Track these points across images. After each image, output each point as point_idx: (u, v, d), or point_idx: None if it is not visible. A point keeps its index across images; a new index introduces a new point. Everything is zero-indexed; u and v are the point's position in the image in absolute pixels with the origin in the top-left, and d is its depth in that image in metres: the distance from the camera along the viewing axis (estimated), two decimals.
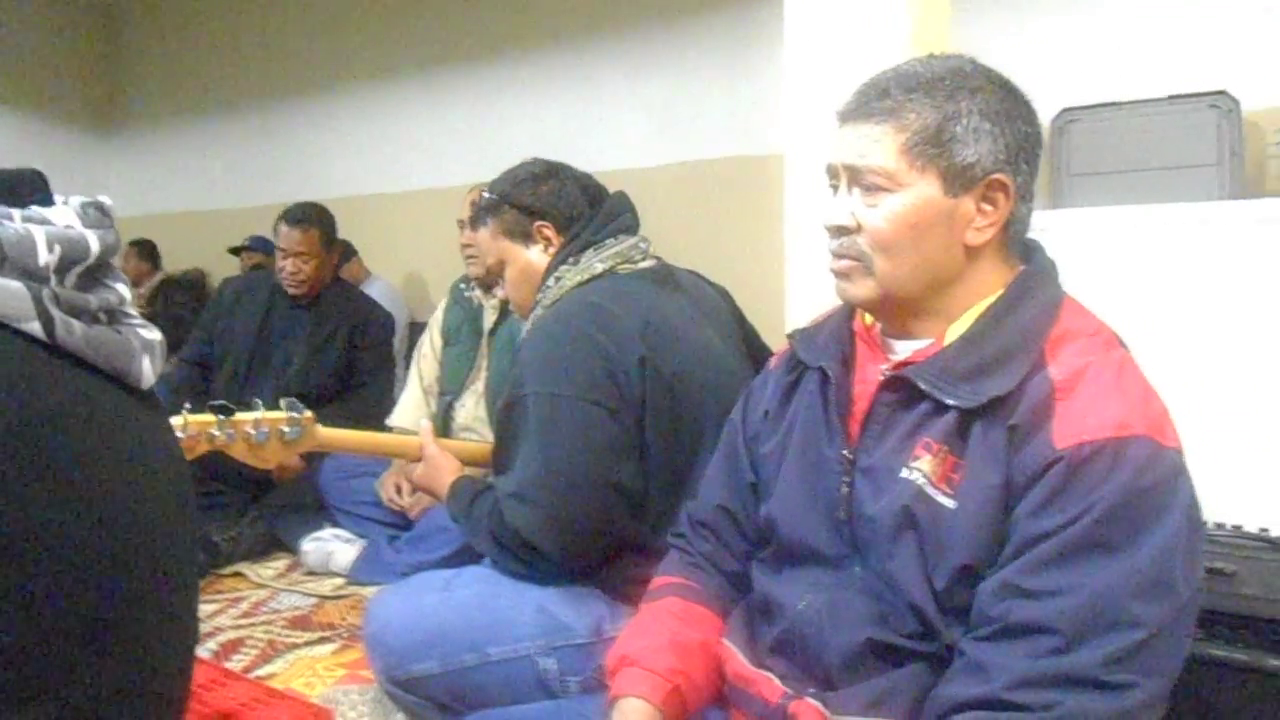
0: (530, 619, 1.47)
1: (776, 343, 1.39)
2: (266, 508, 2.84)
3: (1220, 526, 1.50)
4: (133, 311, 0.80)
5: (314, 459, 2.78)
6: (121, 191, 5.73)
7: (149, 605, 0.74)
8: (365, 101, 4.95)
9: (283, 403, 1.71)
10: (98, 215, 0.77)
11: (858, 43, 1.72)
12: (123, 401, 0.74)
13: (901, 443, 1.02)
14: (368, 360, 3.14)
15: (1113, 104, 2.58)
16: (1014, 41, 3.01)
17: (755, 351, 1.73)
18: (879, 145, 1.00)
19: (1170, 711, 0.90)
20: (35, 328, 0.67)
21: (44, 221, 0.71)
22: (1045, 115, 1.08)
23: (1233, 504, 1.49)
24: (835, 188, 1.07)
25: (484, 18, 4.50)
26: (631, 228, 1.70)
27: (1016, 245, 1.07)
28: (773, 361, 1.29)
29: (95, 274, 0.75)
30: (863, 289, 1.05)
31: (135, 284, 5.16)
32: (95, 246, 0.74)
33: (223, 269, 5.01)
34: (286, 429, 1.68)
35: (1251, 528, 1.48)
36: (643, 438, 1.49)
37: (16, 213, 0.71)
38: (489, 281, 2.46)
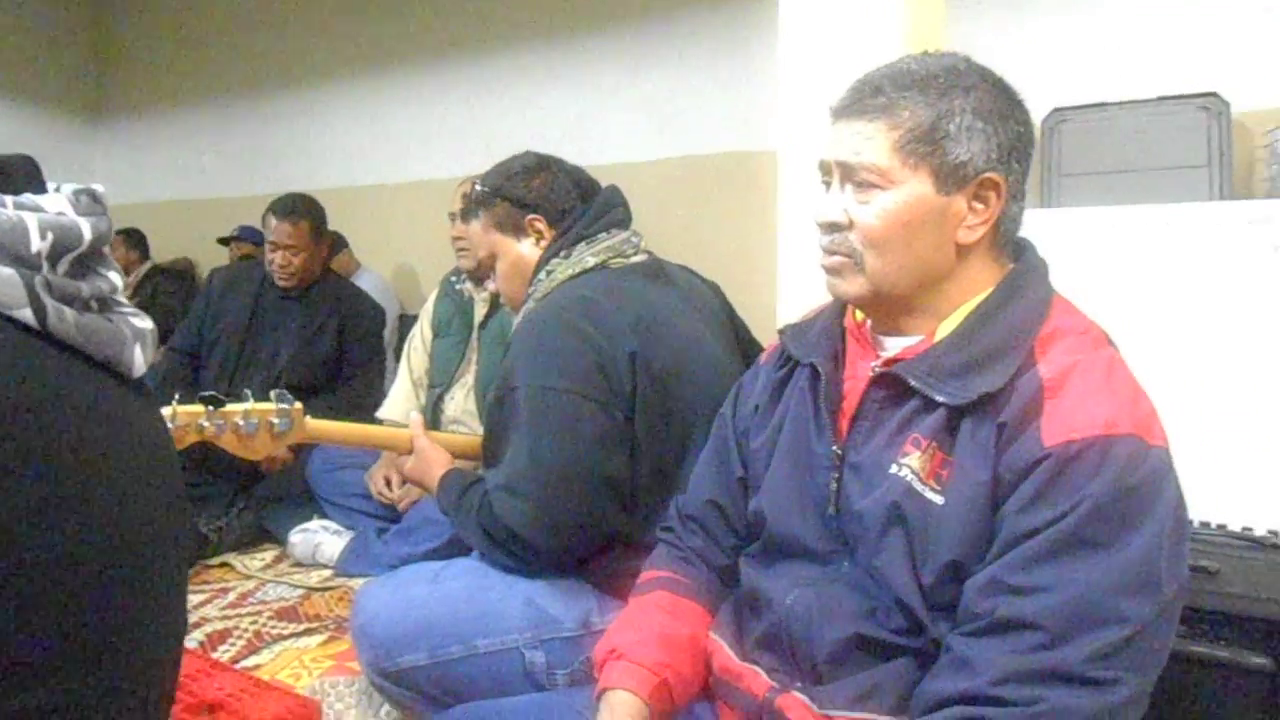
0: (519, 611, 1.47)
1: (767, 338, 1.40)
2: (254, 499, 2.84)
3: (1205, 525, 1.51)
4: (124, 300, 0.80)
5: (302, 450, 2.78)
6: (110, 180, 5.69)
7: (138, 595, 0.74)
8: (357, 92, 4.93)
9: (272, 394, 1.70)
10: (90, 203, 0.76)
11: (852, 39, 1.72)
12: (114, 390, 0.74)
13: (891, 439, 1.02)
14: (357, 352, 3.13)
15: (1103, 104, 2.60)
16: (1006, 41, 3.02)
17: (746, 347, 1.74)
18: (872, 142, 1.01)
19: (1153, 708, 0.91)
20: (27, 315, 0.67)
21: (36, 209, 0.71)
22: (1036, 115, 1.09)
23: (1217, 503, 1.50)
24: (828, 184, 1.08)
25: (477, 10, 4.48)
26: (624, 222, 1.70)
27: (1007, 244, 1.07)
28: (763, 357, 1.30)
29: (87, 262, 0.75)
30: (854, 285, 1.05)
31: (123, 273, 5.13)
32: (88, 234, 0.73)
33: (211, 259, 4.98)
34: (276, 420, 1.68)
35: (1235, 526, 1.50)
36: (633, 431, 1.49)
37: (9, 199, 0.70)
38: (480, 274, 2.46)
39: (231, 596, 2.39)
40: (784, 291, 1.84)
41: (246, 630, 2.16)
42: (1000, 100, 1.02)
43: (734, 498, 1.24)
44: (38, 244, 0.69)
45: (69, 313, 0.69)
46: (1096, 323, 1.03)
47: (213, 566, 2.62)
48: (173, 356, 3.12)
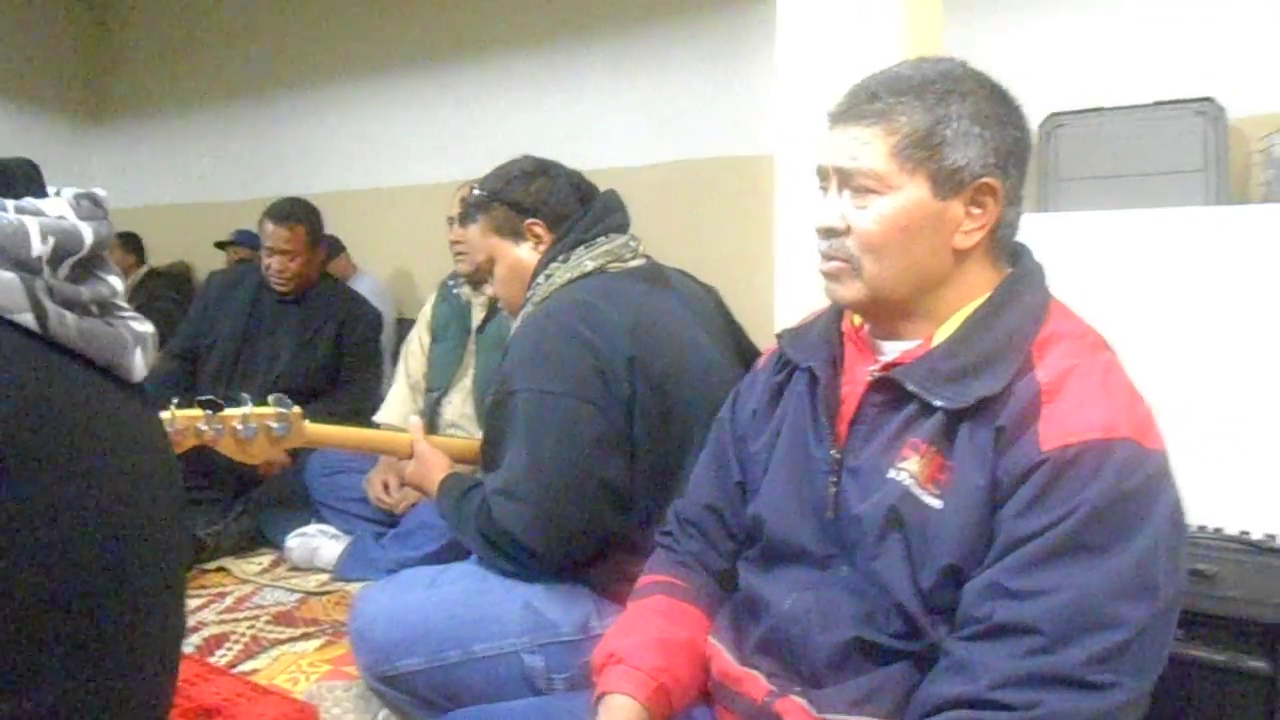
0: (517, 616, 1.47)
1: (765, 342, 1.40)
2: (251, 503, 2.83)
3: (1202, 529, 1.51)
4: (124, 304, 0.80)
5: (299, 454, 2.77)
6: (106, 183, 5.60)
7: (137, 598, 0.74)
8: (354, 96, 4.93)
9: (271, 399, 1.70)
10: (91, 207, 0.76)
11: (849, 44, 1.73)
12: (114, 394, 0.74)
13: (889, 443, 1.03)
14: (355, 356, 3.12)
15: (1100, 109, 2.60)
16: (1003, 46, 3.03)
17: (743, 351, 1.74)
18: (869, 148, 1.01)
19: (1151, 711, 0.91)
20: (28, 319, 0.67)
21: (37, 213, 0.71)
22: (1033, 120, 1.09)
23: (1214, 507, 1.51)
24: (825, 189, 1.08)
25: (475, 14, 4.49)
26: (622, 226, 1.71)
27: (1004, 249, 1.07)
28: (761, 361, 1.30)
29: (88, 266, 0.75)
30: (851, 290, 1.05)
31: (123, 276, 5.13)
32: (88, 238, 0.73)
33: (208, 262, 4.98)
34: (274, 425, 1.68)
35: (1232, 530, 1.50)
36: (631, 435, 1.49)
37: (10, 203, 0.71)
38: (477, 278, 2.45)
39: (229, 601, 2.39)
40: (781, 295, 1.84)
41: (244, 635, 2.16)
42: (997, 105, 1.02)
43: (732, 502, 1.24)
44: (39, 248, 0.69)
45: (70, 317, 0.69)
46: (1094, 327, 1.04)
47: (210, 571, 2.61)
48: (170, 360, 3.11)
